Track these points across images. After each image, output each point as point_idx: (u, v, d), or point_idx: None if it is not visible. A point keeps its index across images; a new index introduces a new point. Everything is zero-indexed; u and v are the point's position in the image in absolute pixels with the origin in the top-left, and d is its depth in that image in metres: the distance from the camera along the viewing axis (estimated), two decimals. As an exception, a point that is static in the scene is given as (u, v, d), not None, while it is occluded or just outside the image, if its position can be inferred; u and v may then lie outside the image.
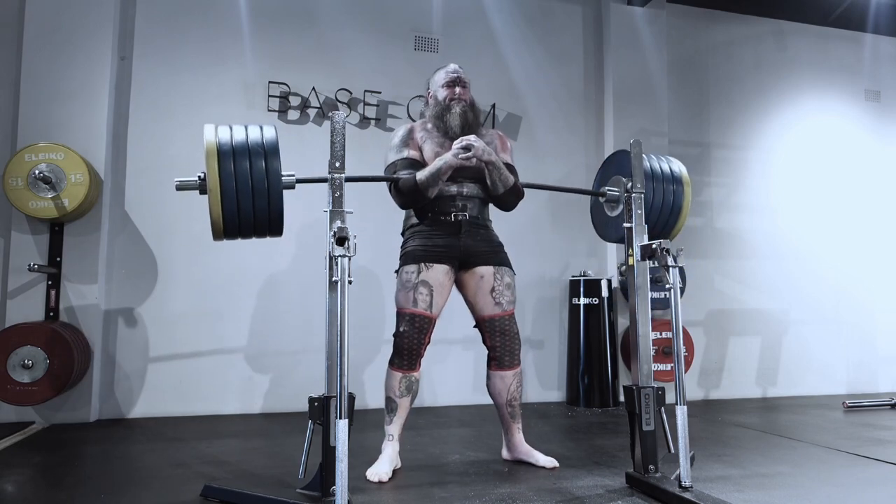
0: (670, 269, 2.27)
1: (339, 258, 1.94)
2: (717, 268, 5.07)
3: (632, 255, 2.49)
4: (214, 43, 4.19)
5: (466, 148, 2.52)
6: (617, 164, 2.76)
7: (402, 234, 2.79)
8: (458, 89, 2.73)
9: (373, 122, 4.42)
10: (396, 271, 2.69)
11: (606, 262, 4.76)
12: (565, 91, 4.89)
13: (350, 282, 1.94)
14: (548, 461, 2.64)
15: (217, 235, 2.15)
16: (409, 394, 2.59)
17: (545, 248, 4.71)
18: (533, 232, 4.67)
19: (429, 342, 2.61)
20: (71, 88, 3.76)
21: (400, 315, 2.60)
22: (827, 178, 5.44)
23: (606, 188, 2.70)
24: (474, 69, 4.64)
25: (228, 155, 2.09)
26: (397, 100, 4.46)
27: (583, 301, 4.46)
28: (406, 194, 2.57)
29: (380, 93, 4.42)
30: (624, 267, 2.60)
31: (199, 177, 2.12)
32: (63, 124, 3.72)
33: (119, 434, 3.39)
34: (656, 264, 2.36)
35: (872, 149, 5.61)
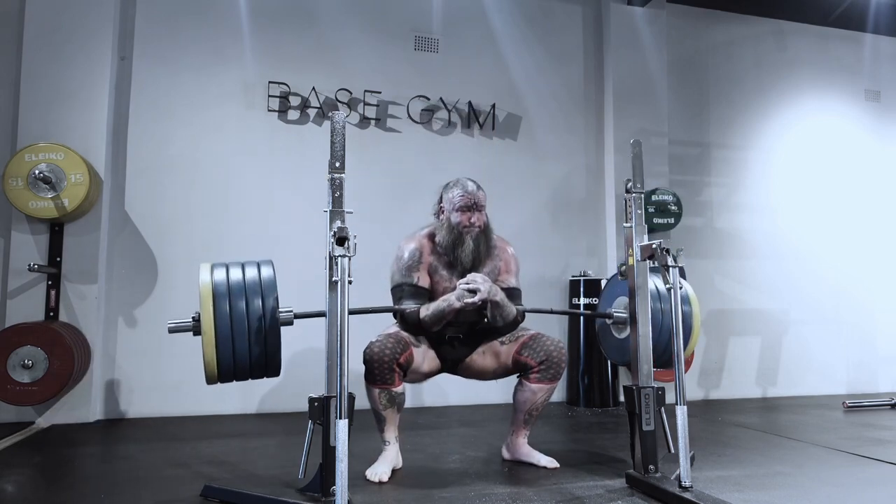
0: (670, 268, 2.27)
1: (339, 258, 1.93)
2: (717, 268, 5.07)
3: (632, 255, 2.49)
4: (214, 43, 4.19)
5: (472, 291, 2.46)
6: (621, 286, 2.74)
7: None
8: (473, 217, 2.61)
9: (373, 122, 4.42)
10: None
11: (606, 261, 4.76)
12: (565, 91, 4.89)
13: (350, 281, 1.93)
14: (548, 461, 2.62)
15: (210, 380, 2.12)
16: (393, 405, 2.51)
17: (545, 248, 4.71)
18: (533, 232, 4.67)
19: (403, 364, 2.46)
20: (71, 88, 3.76)
21: (382, 335, 2.50)
22: (827, 178, 5.44)
23: (613, 310, 2.72)
24: (474, 69, 4.67)
25: (224, 296, 2.07)
26: (397, 100, 4.46)
27: (583, 301, 4.46)
28: (410, 326, 2.56)
29: (380, 93, 4.42)
30: (624, 267, 2.59)
31: (193, 318, 2.11)
32: (63, 124, 3.72)
33: (119, 434, 3.39)
34: (656, 264, 2.36)
35: (872, 149, 5.61)
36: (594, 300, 4.44)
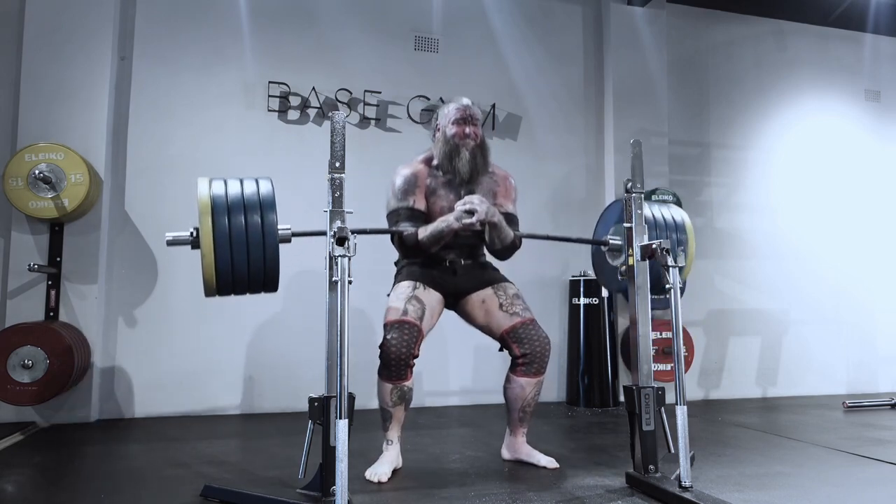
0: (670, 269, 2.26)
1: (339, 258, 1.93)
2: (717, 268, 5.07)
3: (632, 255, 2.49)
4: (214, 43, 4.19)
5: (470, 212, 2.47)
6: (618, 213, 2.72)
7: (396, 263, 2.80)
8: (468, 128, 2.63)
9: (373, 122, 4.42)
10: (388, 294, 2.65)
11: (606, 262, 4.76)
12: (565, 91, 4.89)
13: (350, 282, 1.93)
14: (548, 461, 2.62)
15: (209, 292, 2.11)
16: (403, 402, 2.52)
17: (545, 247, 4.69)
18: (533, 231, 4.66)
19: (417, 355, 2.49)
20: (71, 88, 3.76)
21: (388, 325, 2.50)
22: (827, 178, 5.44)
23: (609, 237, 2.70)
24: (474, 69, 4.67)
25: (223, 210, 2.05)
26: (397, 100, 4.46)
27: (583, 301, 4.46)
28: (408, 249, 2.58)
29: (380, 93, 4.42)
30: (624, 267, 2.59)
31: (192, 233, 2.08)
32: (63, 124, 3.72)
33: (119, 434, 3.39)
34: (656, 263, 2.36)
35: (872, 149, 5.61)
36: (594, 300, 4.45)
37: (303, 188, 4.18)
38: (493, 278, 2.72)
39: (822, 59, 5.54)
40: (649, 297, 2.48)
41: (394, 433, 2.58)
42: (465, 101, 2.69)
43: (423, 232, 2.52)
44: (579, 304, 4.48)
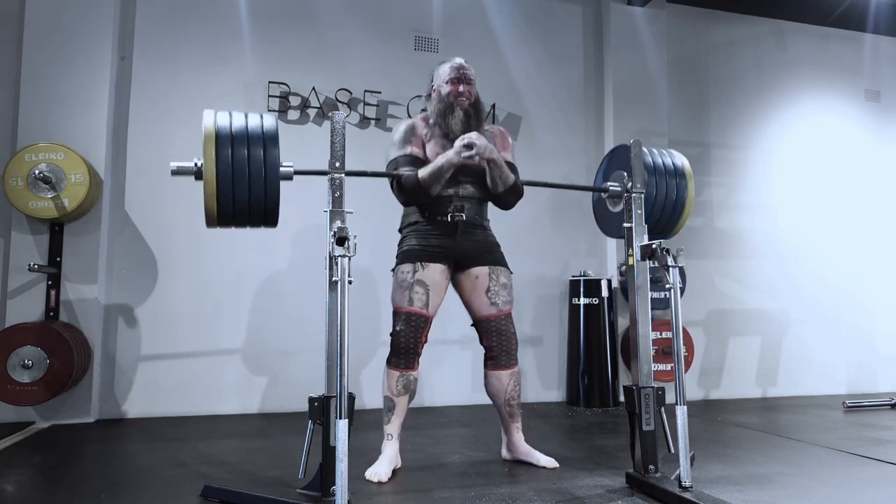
0: (670, 269, 2.27)
1: (339, 258, 1.93)
2: (717, 268, 5.07)
3: (632, 255, 2.49)
4: (214, 43, 4.19)
5: (469, 146, 2.49)
6: (619, 160, 2.74)
7: (400, 230, 2.78)
8: (462, 87, 2.64)
9: (373, 122, 4.42)
10: (393, 270, 2.68)
11: (606, 261, 4.76)
12: (565, 91, 4.89)
13: (350, 282, 1.93)
14: (548, 461, 2.63)
15: (210, 222, 2.12)
16: (407, 392, 2.58)
17: (545, 247, 4.71)
18: (533, 232, 4.67)
19: (426, 341, 2.60)
20: (71, 88, 3.76)
21: (396, 314, 2.59)
22: (827, 179, 5.44)
23: (608, 184, 2.68)
24: (475, 69, 4.65)
25: (227, 141, 2.06)
26: (397, 100, 4.46)
27: (583, 301, 4.46)
28: (408, 192, 2.55)
29: (380, 93, 4.42)
30: (624, 267, 2.59)
31: (196, 164, 2.08)
32: (63, 124, 3.72)
33: (119, 434, 3.39)
34: (656, 264, 2.36)
35: (872, 149, 5.61)
36: (594, 300, 4.45)
37: (303, 188, 4.18)
38: (495, 259, 2.71)
39: (823, 59, 5.54)
40: (649, 296, 2.48)
41: (394, 427, 2.59)
42: (459, 60, 2.70)
43: (423, 171, 2.53)
44: (579, 304, 4.48)
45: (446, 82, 2.66)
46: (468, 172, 2.62)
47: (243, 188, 2.06)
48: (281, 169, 2.12)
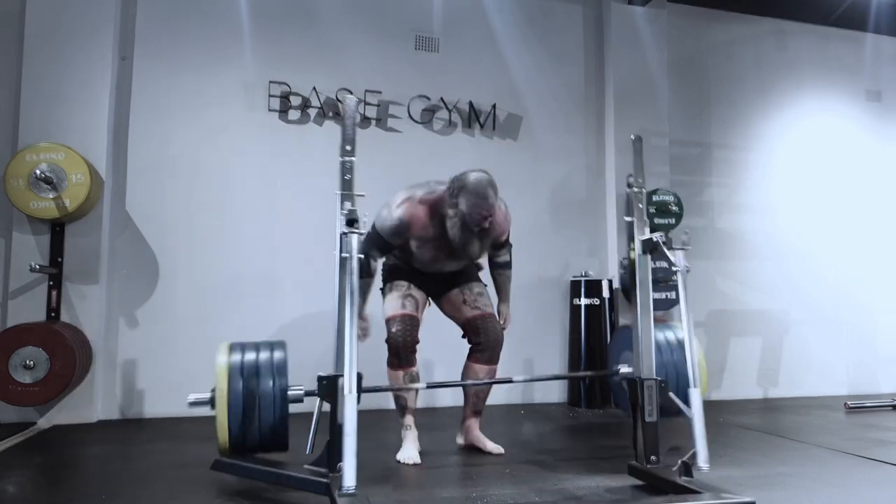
0: (677, 251, 2.28)
1: (349, 234, 2.00)
2: (718, 268, 5.07)
3: (633, 249, 2.49)
4: (215, 43, 4.19)
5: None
6: (623, 340, 2.93)
7: (382, 271, 2.95)
8: (486, 224, 2.60)
9: (373, 121, 4.42)
10: (382, 289, 2.88)
11: (607, 262, 4.76)
12: (566, 91, 4.89)
13: (360, 258, 2.04)
14: (495, 447, 2.83)
15: (222, 452, 2.25)
16: (413, 383, 2.74)
17: (546, 248, 4.71)
18: (534, 232, 4.66)
19: (419, 341, 2.75)
20: (72, 88, 3.76)
21: (391, 320, 2.74)
22: (828, 179, 5.44)
23: (620, 367, 2.76)
24: (475, 69, 4.67)
25: (238, 375, 2.26)
26: (398, 99, 4.46)
27: (584, 301, 4.46)
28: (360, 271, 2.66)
29: (380, 93, 4.42)
30: (626, 261, 2.60)
31: (211, 395, 2.25)
32: (64, 124, 3.72)
33: (120, 434, 3.39)
34: (656, 264, 2.36)
35: (873, 149, 5.61)
36: (595, 301, 4.44)
37: (304, 188, 4.19)
38: (466, 278, 2.93)
39: (823, 59, 5.53)
40: (651, 290, 2.48)
41: (410, 419, 2.80)
42: (491, 196, 2.57)
43: (362, 283, 2.58)
44: (580, 305, 4.47)
45: (470, 209, 2.56)
46: (449, 258, 2.77)
47: (254, 417, 2.22)
48: (290, 393, 2.26)
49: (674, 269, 2.28)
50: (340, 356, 2.07)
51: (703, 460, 2.13)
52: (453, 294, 2.90)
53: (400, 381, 2.71)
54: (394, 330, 2.70)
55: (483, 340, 2.81)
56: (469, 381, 2.83)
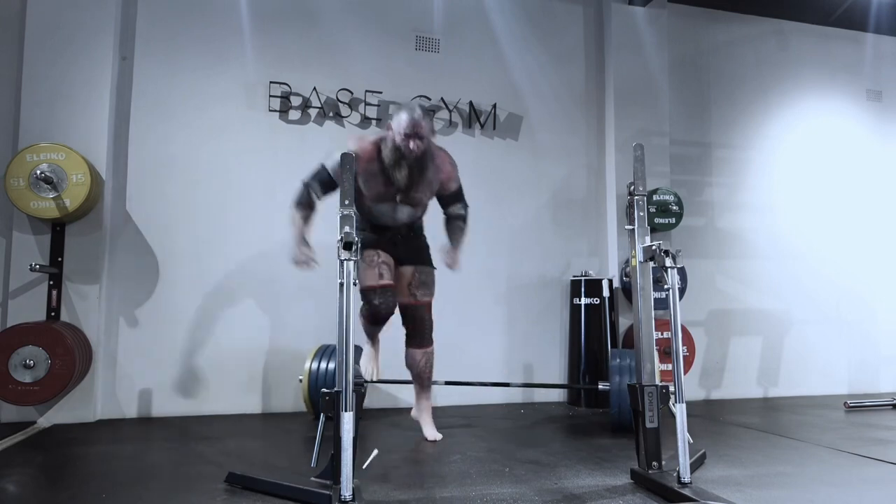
0: (668, 270, 2.27)
1: (345, 262, 2.04)
2: (718, 268, 5.07)
3: (634, 257, 2.50)
4: (215, 43, 4.20)
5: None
6: (616, 357, 3.55)
7: None
8: (413, 143, 2.84)
9: (374, 122, 4.42)
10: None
11: (608, 262, 4.76)
12: (566, 91, 4.89)
13: (355, 283, 2.07)
14: (431, 434, 3.09)
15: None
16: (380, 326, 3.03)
17: (546, 248, 4.71)
18: (534, 232, 4.67)
19: (395, 309, 2.97)
20: (72, 88, 3.76)
21: (370, 290, 2.88)
22: (828, 178, 5.44)
23: (601, 384, 3.69)
24: (475, 69, 4.67)
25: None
26: (398, 99, 4.46)
27: (584, 301, 4.46)
28: (297, 195, 2.94)
29: (381, 93, 4.42)
30: (629, 268, 2.61)
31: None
32: (64, 124, 3.72)
33: (120, 434, 3.39)
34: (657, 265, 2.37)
35: (874, 149, 5.61)
36: (595, 300, 4.44)
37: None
38: (421, 259, 3.14)
39: (824, 58, 5.53)
40: (652, 297, 2.49)
41: (373, 340, 3.18)
42: (417, 114, 2.86)
43: (297, 211, 2.92)
44: (580, 304, 4.47)
45: (400, 135, 2.85)
46: (403, 199, 2.95)
47: None
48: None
49: (665, 287, 2.29)
50: (340, 373, 2.10)
51: (684, 473, 2.15)
52: (406, 272, 3.09)
53: (368, 328, 3.03)
54: (376, 302, 2.86)
55: (411, 328, 3.09)
56: (470, 382, 3.04)
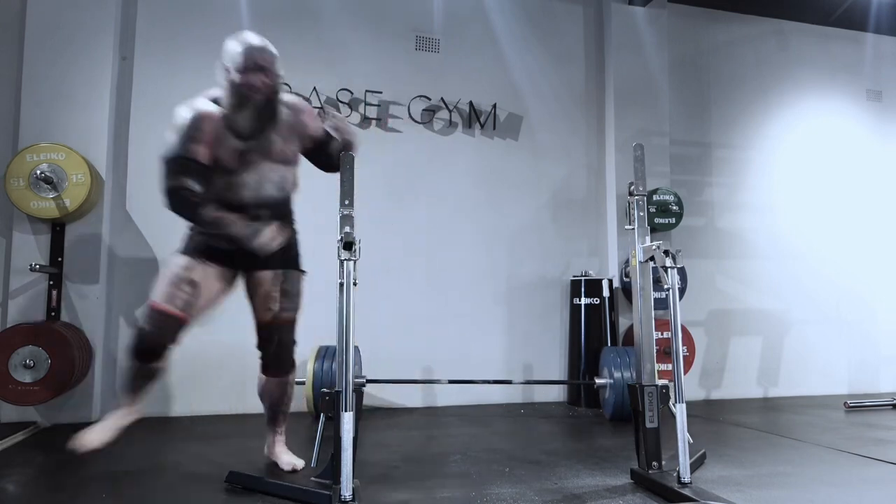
0: (668, 270, 2.27)
1: (345, 262, 2.03)
2: (718, 267, 5.07)
3: (634, 257, 2.50)
4: (215, 43, 4.16)
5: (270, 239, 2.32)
6: (606, 358, 3.68)
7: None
8: (256, 78, 2.29)
9: (374, 121, 4.42)
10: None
11: (607, 261, 4.76)
12: (566, 91, 4.89)
13: (355, 284, 2.03)
14: (288, 463, 2.52)
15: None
16: (147, 381, 2.41)
17: (546, 248, 4.71)
18: (534, 232, 4.67)
19: (176, 343, 2.34)
20: (72, 89, 3.76)
21: (150, 310, 2.29)
22: (828, 178, 5.44)
23: (597, 379, 3.77)
24: (475, 69, 4.67)
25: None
26: (398, 100, 4.46)
27: (584, 301, 4.46)
28: (177, 211, 2.30)
29: (381, 93, 4.42)
30: (629, 268, 2.61)
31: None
32: (64, 124, 3.72)
33: (120, 434, 3.38)
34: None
35: (874, 149, 5.61)
36: (595, 300, 4.44)
37: (303, 188, 4.17)
38: (288, 260, 2.52)
39: (824, 58, 5.54)
40: (652, 297, 2.49)
41: (130, 405, 2.41)
42: (255, 40, 2.33)
43: (208, 214, 2.28)
44: (580, 304, 4.47)
45: (238, 72, 2.28)
46: (267, 156, 2.38)
47: None
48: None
49: (665, 287, 2.29)
50: (340, 373, 2.10)
51: (684, 473, 2.15)
52: (264, 279, 2.45)
53: (133, 373, 2.34)
54: (146, 328, 2.26)
55: (268, 351, 2.49)
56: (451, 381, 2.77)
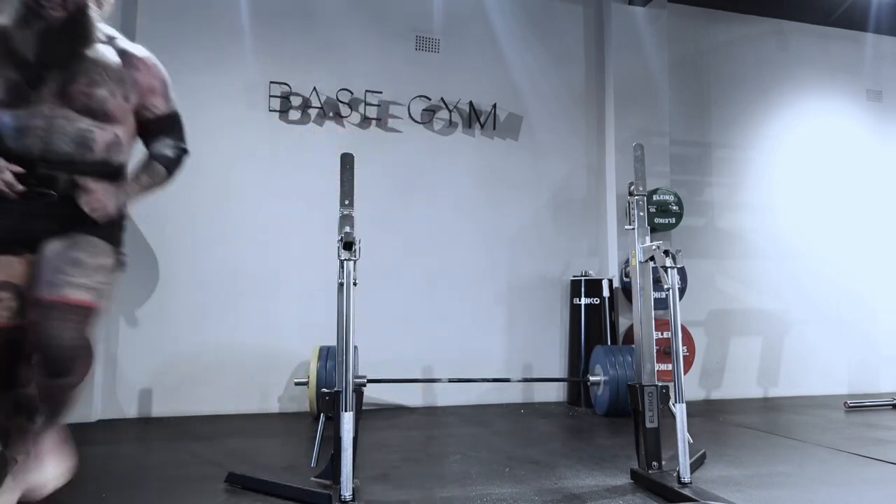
0: (668, 270, 2.27)
1: (345, 262, 2.03)
2: (718, 268, 5.07)
3: (634, 257, 2.50)
4: (215, 43, 4.20)
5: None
6: (598, 356, 3.88)
7: None
8: None
9: (374, 121, 4.42)
10: None
11: (607, 261, 4.76)
12: (566, 91, 4.89)
13: (355, 284, 2.02)
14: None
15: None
16: None
17: (546, 248, 4.71)
18: (534, 232, 4.67)
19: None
20: (72, 88, 3.75)
21: None
22: (828, 178, 5.44)
23: (590, 377, 3.94)
24: (475, 69, 4.67)
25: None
26: (398, 100, 4.46)
27: (584, 301, 4.46)
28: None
29: (381, 93, 4.42)
30: (629, 268, 2.61)
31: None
32: (64, 124, 3.71)
33: (120, 434, 3.39)
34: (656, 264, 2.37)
35: (874, 149, 5.61)
36: (595, 300, 4.44)
37: (303, 188, 4.19)
38: (81, 223, 1.80)
39: (824, 58, 5.54)
40: (652, 297, 2.49)
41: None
42: None
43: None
44: (580, 304, 4.47)
45: None
46: (62, 100, 1.76)
47: None
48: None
49: (665, 287, 2.29)
50: (340, 373, 2.10)
51: (684, 472, 2.15)
52: (50, 251, 1.74)
53: None
54: None
55: (36, 345, 1.68)
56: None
